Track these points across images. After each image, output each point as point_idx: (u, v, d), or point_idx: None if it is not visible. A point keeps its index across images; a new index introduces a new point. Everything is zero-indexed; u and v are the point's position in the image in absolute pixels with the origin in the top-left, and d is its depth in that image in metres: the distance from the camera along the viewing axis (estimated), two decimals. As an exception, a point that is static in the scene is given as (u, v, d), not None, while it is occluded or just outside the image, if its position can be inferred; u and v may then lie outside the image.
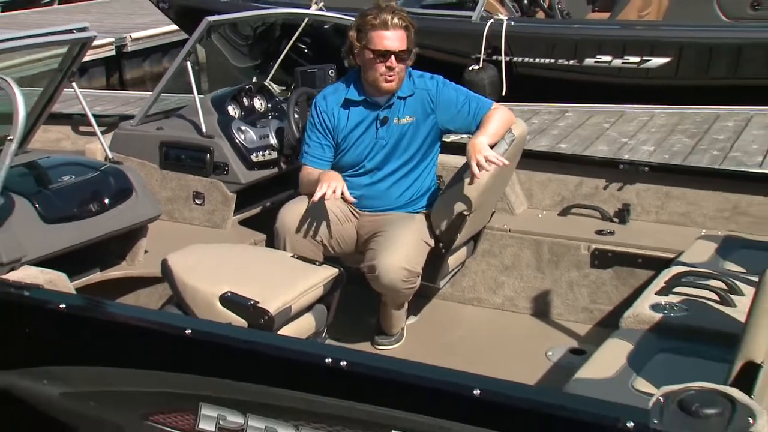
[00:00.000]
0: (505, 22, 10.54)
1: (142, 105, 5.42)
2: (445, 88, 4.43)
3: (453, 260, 4.60)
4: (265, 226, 4.89)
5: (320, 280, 4.05)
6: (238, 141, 5.05)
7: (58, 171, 4.43)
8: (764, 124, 9.04)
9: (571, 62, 10.47)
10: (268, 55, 7.65)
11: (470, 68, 10.51)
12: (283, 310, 3.80)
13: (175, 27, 14.66)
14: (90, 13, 19.12)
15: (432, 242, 4.39)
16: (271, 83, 6.54)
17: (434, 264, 4.44)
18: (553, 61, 10.55)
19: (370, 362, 2.91)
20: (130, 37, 15.72)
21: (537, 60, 10.60)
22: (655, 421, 2.34)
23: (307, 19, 7.20)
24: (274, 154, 5.14)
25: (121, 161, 4.81)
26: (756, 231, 4.43)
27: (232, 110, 5.23)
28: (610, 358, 3.23)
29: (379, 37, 4.28)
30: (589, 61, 10.38)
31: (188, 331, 3.10)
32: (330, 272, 4.11)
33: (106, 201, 4.36)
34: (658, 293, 3.64)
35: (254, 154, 5.06)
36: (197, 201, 5.10)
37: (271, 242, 4.57)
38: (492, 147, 4.20)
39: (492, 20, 10.60)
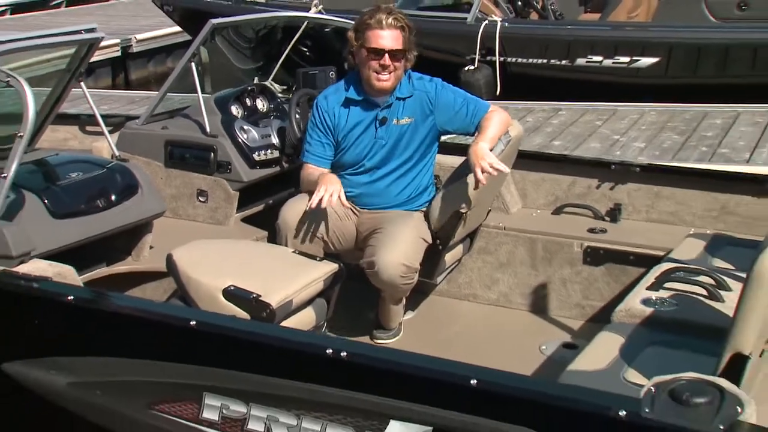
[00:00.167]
0: (499, 24, 10.57)
1: (147, 105, 5.42)
2: (443, 90, 4.44)
3: (450, 257, 4.60)
4: (266, 224, 4.89)
5: (320, 275, 4.07)
6: (240, 140, 5.06)
7: (67, 168, 4.44)
8: (751, 121, 9.06)
9: (564, 62, 10.49)
10: (270, 56, 7.66)
11: (466, 68, 10.53)
12: (284, 304, 3.81)
13: (178, 29, 14.68)
14: (96, 15, 19.11)
15: (429, 239, 4.40)
16: (273, 83, 6.56)
17: (431, 261, 4.45)
18: (546, 61, 10.57)
19: (370, 353, 2.92)
20: (135, 38, 15.73)
21: (530, 60, 10.63)
22: (647, 410, 2.35)
23: (306, 22, 7.22)
24: (276, 153, 5.15)
25: (127, 159, 4.81)
26: (743, 230, 4.44)
27: (235, 110, 5.24)
28: (602, 351, 3.24)
29: (374, 35, 4.29)
30: (581, 61, 10.41)
31: (193, 323, 3.11)
32: (330, 267, 4.13)
33: (113, 197, 4.38)
34: (649, 288, 3.66)
35: (256, 153, 5.07)
36: (201, 198, 5.10)
37: (273, 239, 4.58)
38: (491, 150, 4.22)
39: (486, 21, 10.62)
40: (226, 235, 4.90)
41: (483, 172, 4.09)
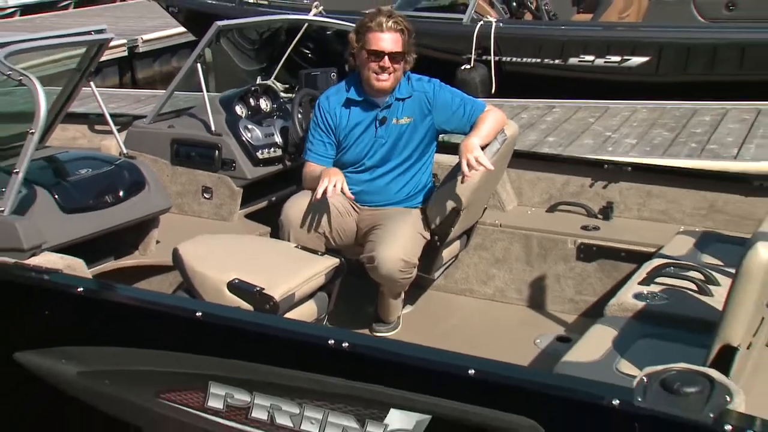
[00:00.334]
0: (494, 24, 10.60)
1: (154, 104, 5.43)
2: (441, 91, 4.45)
3: (447, 253, 4.61)
4: (269, 220, 4.90)
5: (322, 269, 4.07)
6: (244, 139, 5.07)
7: (76, 164, 4.45)
8: (738, 118, 9.08)
9: (557, 61, 10.52)
10: (273, 57, 7.69)
11: (462, 68, 10.55)
12: (287, 297, 3.82)
13: (183, 30, 14.68)
14: (103, 16, 19.10)
15: (428, 236, 4.40)
16: (275, 82, 6.56)
17: (429, 256, 4.45)
18: (540, 60, 10.61)
19: (371, 344, 2.93)
20: (142, 39, 15.73)
21: (525, 59, 10.66)
22: (639, 399, 2.36)
23: (306, 24, 7.23)
24: (279, 152, 5.16)
25: (135, 157, 4.82)
26: (731, 228, 4.45)
27: (240, 110, 5.25)
28: (596, 343, 3.24)
29: (374, 38, 4.31)
30: (574, 61, 10.45)
31: (199, 314, 3.12)
32: (331, 262, 4.13)
33: (121, 193, 4.38)
34: (641, 283, 3.66)
35: (260, 152, 5.08)
36: (206, 195, 5.11)
37: (276, 235, 4.58)
38: (485, 147, 4.22)
39: (482, 22, 10.65)
40: (230, 230, 4.90)
41: (469, 166, 4.10)
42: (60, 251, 3.80)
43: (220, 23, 5.21)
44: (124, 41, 15.09)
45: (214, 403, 3.03)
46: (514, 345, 4.31)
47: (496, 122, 4.35)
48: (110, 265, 4.45)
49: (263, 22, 8.97)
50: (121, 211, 4.35)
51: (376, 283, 4.37)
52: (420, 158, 4.51)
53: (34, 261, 3.56)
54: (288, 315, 3.83)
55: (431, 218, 4.40)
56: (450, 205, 4.31)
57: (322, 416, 2.83)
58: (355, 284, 4.40)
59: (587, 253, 4.58)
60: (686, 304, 3.45)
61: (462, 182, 4.18)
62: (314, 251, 4.22)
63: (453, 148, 4.72)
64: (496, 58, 10.61)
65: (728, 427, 2.27)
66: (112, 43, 4.70)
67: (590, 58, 10.37)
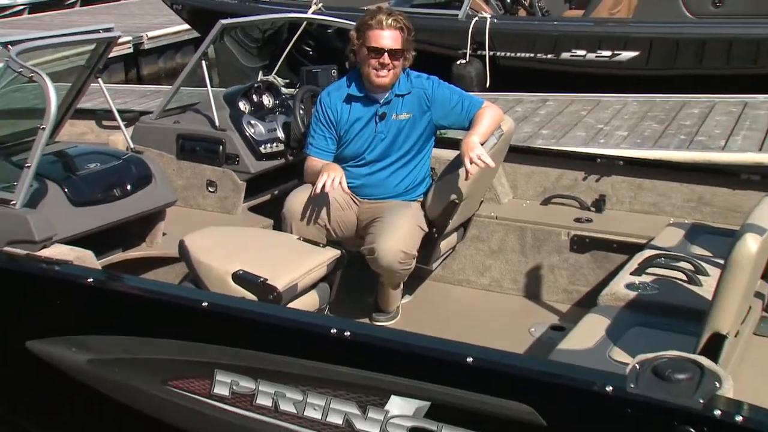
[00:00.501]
0: (488, 20, 10.57)
1: (159, 100, 5.42)
2: (440, 87, 4.45)
3: (445, 244, 4.62)
4: (272, 212, 4.91)
5: (324, 260, 4.08)
6: (248, 134, 5.07)
7: (85, 159, 4.45)
8: (726, 110, 9.07)
9: (550, 56, 10.50)
10: (275, 54, 7.69)
11: (458, 62, 10.54)
12: (290, 287, 3.82)
13: (186, 27, 14.65)
14: (110, 14, 19.02)
15: (426, 228, 4.41)
16: (276, 77, 6.56)
17: (428, 248, 4.46)
18: (533, 55, 10.58)
19: (372, 333, 2.94)
20: (146, 36, 15.66)
21: (519, 54, 10.63)
22: (632, 386, 2.38)
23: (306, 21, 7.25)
24: (281, 146, 5.16)
25: (142, 151, 4.82)
26: (718, 220, 4.46)
27: (243, 106, 5.24)
28: (589, 332, 3.25)
29: (374, 35, 4.31)
30: (566, 55, 10.42)
31: (205, 304, 3.12)
32: (333, 253, 4.14)
33: (128, 187, 4.39)
34: (632, 274, 3.67)
35: (263, 146, 5.08)
36: (210, 189, 5.12)
37: (278, 227, 4.59)
38: (483, 143, 4.24)
39: (477, 18, 10.63)
40: (234, 223, 4.91)
41: (471, 163, 4.11)
42: (70, 243, 3.81)
43: (224, 21, 5.21)
44: (130, 38, 15.03)
45: (220, 390, 3.04)
46: (509, 333, 4.32)
47: (493, 119, 4.35)
48: (118, 256, 4.45)
49: (265, 20, 8.97)
50: (128, 205, 4.35)
51: (376, 274, 4.37)
52: (419, 153, 4.51)
53: (45, 253, 3.57)
54: (291, 305, 3.84)
55: (430, 211, 4.41)
56: (448, 198, 4.32)
57: (325, 403, 2.85)
58: (355, 275, 4.40)
59: (580, 244, 4.59)
60: (676, 294, 3.47)
61: (466, 179, 4.19)
62: (316, 243, 4.23)
63: (450, 143, 4.74)
64: (491, 53, 10.59)
65: (717, 412, 2.28)
66: (118, 41, 4.70)
67: (582, 52, 10.36)
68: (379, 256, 4.17)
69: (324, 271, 4.07)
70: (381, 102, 4.42)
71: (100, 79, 4.72)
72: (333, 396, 2.84)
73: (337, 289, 4.22)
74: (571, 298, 4.65)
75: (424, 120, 4.45)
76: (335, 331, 2.83)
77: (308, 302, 4.00)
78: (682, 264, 3.65)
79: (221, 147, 5.04)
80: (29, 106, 4.22)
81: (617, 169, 4.80)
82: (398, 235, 4.21)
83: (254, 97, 5.35)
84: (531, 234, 4.72)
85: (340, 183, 4.25)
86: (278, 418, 2.95)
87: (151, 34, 15.84)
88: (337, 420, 2.83)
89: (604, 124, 8.96)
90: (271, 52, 9.60)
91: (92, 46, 4.58)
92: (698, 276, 3.56)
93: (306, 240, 4.24)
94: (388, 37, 4.30)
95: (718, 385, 2.34)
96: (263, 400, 2.96)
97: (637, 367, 2.42)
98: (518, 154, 5.02)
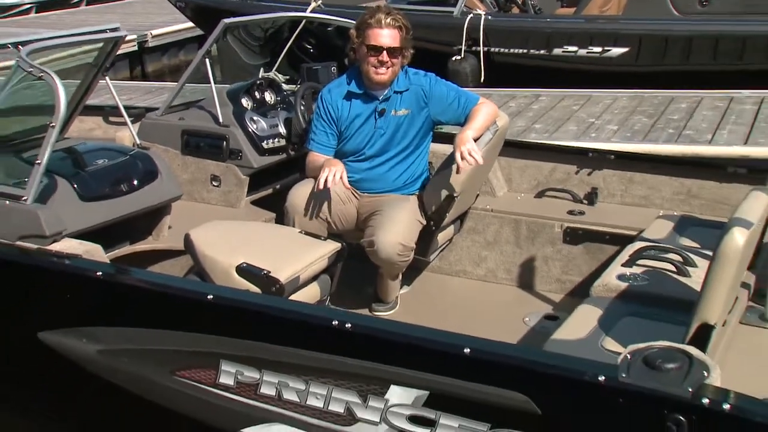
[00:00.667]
0: (483, 17, 10.58)
1: (164, 96, 5.42)
2: (437, 84, 4.45)
3: (442, 237, 4.62)
4: (275, 206, 4.91)
5: (325, 253, 4.09)
6: (250, 130, 5.07)
7: (93, 155, 4.45)
8: (712, 105, 9.07)
9: (543, 52, 10.50)
10: (276, 52, 7.70)
11: (453, 58, 10.55)
12: (292, 279, 3.84)
13: (189, 25, 14.62)
14: (115, 12, 18.96)
15: (424, 221, 4.42)
16: (277, 74, 6.55)
17: (425, 240, 4.46)
18: (526, 51, 10.58)
19: (373, 324, 2.94)
20: (151, 34, 15.62)
21: (512, 50, 10.63)
22: (624, 375, 2.39)
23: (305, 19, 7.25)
24: (283, 142, 5.16)
25: (148, 147, 4.82)
26: (707, 212, 4.47)
27: (245, 102, 5.24)
28: (582, 322, 3.26)
29: (373, 34, 4.31)
30: (558, 51, 10.42)
31: (210, 297, 3.13)
32: (333, 246, 4.15)
33: (135, 182, 4.39)
34: (624, 265, 3.68)
35: (265, 142, 5.08)
36: (214, 183, 5.12)
37: (281, 220, 4.59)
38: (477, 139, 4.24)
39: (471, 15, 10.63)
40: (238, 217, 4.91)
41: (462, 158, 4.12)
42: (79, 237, 3.81)
43: (226, 21, 5.21)
44: (134, 36, 14.99)
45: (226, 380, 3.05)
46: (504, 323, 4.33)
47: (488, 115, 4.36)
48: (126, 249, 4.46)
49: (267, 18, 8.96)
50: (135, 199, 4.36)
51: (376, 266, 4.38)
52: (417, 148, 4.52)
53: (55, 247, 3.56)
54: (293, 297, 3.85)
55: (427, 204, 4.42)
56: (445, 192, 4.32)
57: (327, 392, 2.86)
58: (355, 267, 4.41)
59: (573, 236, 4.60)
60: (666, 285, 3.48)
61: (457, 173, 4.20)
62: (317, 236, 4.23)
63: (447, 138, 4.74)
64: (485, 49, 10.60)
65: (705, 401, 2.30)
66: (124, 40, 4.70)
67: (574, 48, 10.37)
68: (379, 248, 4.18)
69: (325, 263, 4.08)
70: (380, 99, 4.42)
71: (107, 78, 4.72)
72: (335, 385, 2.85)
73: (337, 280, 4.23)
74: (564, 288, 4.66)
75: (421, 116, 4.45)
76: (337, 323, 2.84)
77: (310, 294, 4.01)
78: (672, 255, 3.66)
79: (225, 142, 5.04)
80: (38, 102, 4.22)
81: (609, 163, 4.80)
82: (397, 229, 4.22)
83: (256, 93, 5.35)
84: (525, 226, 4.73)
85: (341, 178, 4.26)
86: (281, 407, 2.96)
87: (155, 32, 15.80)
88: (338, 408, 2.85)
89: (595, 119, 8.96)
90: (273, 50, 9.59)
91: (99, 45, 4.57)
92: (687, 267, 3.57)
93: (307, 233, 4.25)
94: (387, 36, 4.30)
95: (706, 374, 2.35)
96: (267, 390, 2.97)
97: (629, 357, 2.43)
98: (513, 148, 5.02)
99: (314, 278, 4.06)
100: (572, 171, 4.88)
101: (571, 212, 4.70)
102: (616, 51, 10.21)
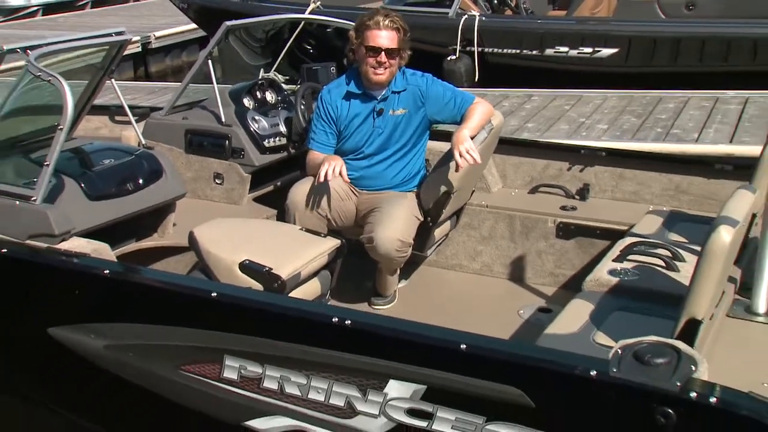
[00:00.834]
0: (477, 18, 10.56)
1: (167, 96, 5.41)
2: (433, 84, 4.45)
3: (439, 232, 4.62)
4: (276, 203, 4.91)
5: (325, 250, 4.09)
6: (252, 129, 5.07)
7: (100, 155, 4.45)
8: (699, 105, 9.09)
9: (535, 52, 10.50)
10: (276, 52, 7.70)
11: (448, 58, 10.53)
12: (293, 276, 3.84)
13: (191, 26, 14.60)
14: (119, 15, 18.92)
15: (421, 217, 4.42)
16: (277, 74, 6.55)
17: (423, 236, 4.47)
18: (519, 51, 10.58)
19: (372, 321, 2.94)
20: (154, 35, 15.60)
21: (505, 51, 10.63)
22: (615, 370, 2.39)
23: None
24: (284, 140, 5.16)
25: (153, 147, 4.82)
26: (695, 207, 4.48)
27: (247, 102, 5.24)
28: (574, 316, 3.27)
29: (372, 35, 4.31)
30: (550, 52, 10.42)
31: (213, 295, 3.13)
32: (333, 243, 4.15)
33: (141, 181, 4.39)
34: (615, 260, 3.68)
35: (266, 141, 5.08)
36: (217, 181, 5.12)
37: (282, 217, 4.59)
38: (473, 137, 4.24)
39: (466, 16, 10.62)
40: (240, 213, 4.91)
41: (461, 156, 4.12)
42: (86, 236, 3.81)
43: (228, 23, 5.20)
44: (138, 38, 14.98)
45: (229, 374, 3.05)
46: (499, 315, 4.34)
47: (483, 114, 4.36)
48: (132, 246, 4.46)
49: (268, 21, 8.95)
50: (141, 198, 4.36)
51: (375, 261, 4.38)
52: (414, 146, 4.52)
53: (64, 246, 3.57)
54: (294, 293, 3.85)
55: (424, 201, 4.42)
56: (442, 189, 4.33)
57: (328, 386, 2.86)
58: (355, 262, 4.42)
59: (566, 231, 4.60)
60: (655, 280, 3.48)
61: (456, 171, 4.20)
62: (317, 233, 4.23)
63: (444, 135, 4.74)
64: (479, 50, 10.58)
65: (693, 394, 2.30)
66: (129, 43, 4.69)
67: (565, 49, 10.37)
68: (377, 244, 4.18)
69: (325, 259, 4.08)
70: (378, 98, 4.42)
71: (113, 80, 4.71)
72: (335, 380, 2.85)
73: (337, 276, 4.23)
74: (557, 281, 4.67)
75: (418, 115, 4.45)
76: (337, 319, 2.84)
77: (311, 289, 4.01)
78: (661, 251, 3.67)
79: (227, 141, 5.04)
80: (46, 102, 4.21)
81: (600, 159, 4.80)
82: (395, 225, 4.22)
83: (258, 93, 5.34)
84: (519, 221, 4.73)
85: (340, 172, 4.26)
86: (284, 400, 2.96)
87: (158, 33, 15.78)
88: (339, 402, 2.85)
89: (585, 118, 8.97)
90: (273, 51, 9.58)
91: (105, 48, 4.57)
92: (675, 262, 3.57)
93: (308, 230, 4.25)
94: (385, 37, 4.30)
95: (694, 368, 2.36)
96: (269, 384, 2.98)
97: (620, 352, 2.43)
98: (507, 145, 5.02)
99: (315, 274, 4.06)
100: (565, 167, 4.88)
101: (563, 208, 4.70)
102: (606, 52, 10.21)
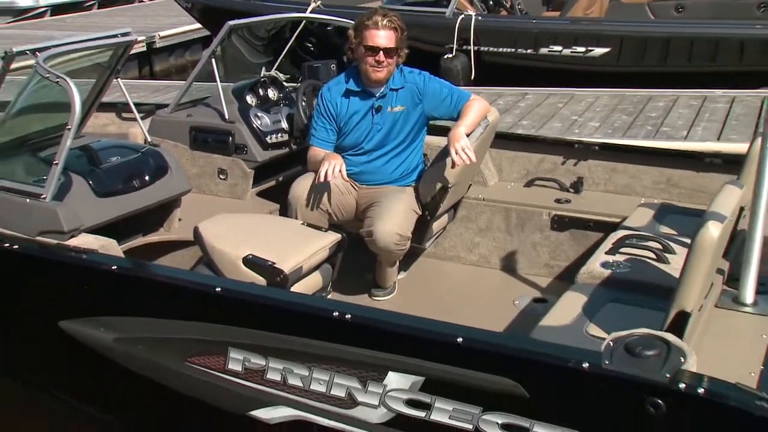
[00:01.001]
0: (473, 18, 10.56)
1: (171, 94, 5.41)
2: (431, 82, 4.45)
3: (437, 225, 4.62)
4: (278, 197, 4.91)
5: (326, 244, 4.09)
6: (255, 125, 5.06)
7: (107, 153, 4.45)
8: (687, 104, 9.12)
9: (530, 51, 10.50)
10: (278, 50, 7.70)
11: (445, 57, 10.54)
12: (296, 269, 3.84)
13: (195, 26, 14.58)
14: (125, 15, 18.90)
15: (419, 210, 4.42)
16: (278, 72, 6.55)
17: (421, 229, 4.47)
18: (514, 50, 10.57)
19: (371, 315, 2.95)
20: (159, 35, 15.58)
21: (501, 50, 10.63)
22: (606, 362, 2.40)
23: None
24: (286, 137, 5.15)
25: (158, 143, 4.82)
26: (685, 200, 4.48)
27: (250, 99, 5.23)
28: (567, 309, 3.27)
29: (370, 35, 4.30)
30: (544, 51, 10.42)
31: (218, 290, 3.14)
32: (334, 237, 4.15)
33: (147, 178, 4.39)
34: (607, 253, 3.68)
35: (269, 137, 5.08)
36: (221, 176, 5.12)
37: (284, 211, 4.59)
38: (470, 133, 4.24)
39: (462, 16, 10.61)
40: (243, 208, 4.91)
41: (457, 153, 4.12)
42: (95, 232, 3.82)
43: (231, 23, 5.19)
44: (143, 37, 14.95)
45: (234, 366, 3.07)
46: (495, 305, 4.35)
47: (480, 110, 4.35)
48: (139, 241, 4.46)
49: (270, 20, 8.94)
50: (147, 194, 4.35)
51: (375, 254, 4.38)
52: (412, 142, 4.52)
53: (73, 242, 3.58)
54: (296, 286, 3.86)
55: (423, 195, 4.42)
56: (439, 183, 4.32)
57: (329, 378, 2.87)
58: (355, 256, 4.41)
59: (560, 223, 4.60)
60: (646, 272, 3.48)
61: (452, 167, 4.20)
62: (319, 227, 4.24)
63: (441, 131, 4.73)
64: (476, 48, 10.59)
65: (682, 386, 2.31)
66: (135, 43, 4.69)
67: (558, 48, 10.39)
68: (377, 238, 4.19)
69: (327, 253, 4.08)
70: (377, 96, 4.42)
71: (119, 79, 4.71)
72: (336, 372, 2.86)
73: (339, 269, 4.24)
74: (552, 272, 4.67)
75: (416, 112, 4.45)
76: (337, 314, 2.85)
77: (313, 283, 4.02)
78: (652, 243, 3.67)
79: (231, 138, 5.04)
80: (54, 101, 4.21)
81: (593, 153, 4.80)
82: (394, 219, 4.22)
83: (260, 91, 5.33)
84: (515, 214, 4.73)
85: (340, 171, 4.26)
86: (286, 391, 2.98)
87: (162, 33, 15.77)
88: (340, 393, 2.86)
89: (578, 116, 8.99)
90: (275, 49, 9.58)
91: (112, 49, 4.57)
92: (666, 255, 3.57)
93: (310, 225, 4.25)
94: (383, 37, 4.30)
95: (683, 360, 2.37)
96: (273, 375, 2.99)
97: (611, 345, 2.44)
98: (503, 140, 5.02)
99: (317, 267, 4.06)
100: (559, 161, 4.88)
101: (558, 200, 4.70)
102: (599, 51, 10.24)
